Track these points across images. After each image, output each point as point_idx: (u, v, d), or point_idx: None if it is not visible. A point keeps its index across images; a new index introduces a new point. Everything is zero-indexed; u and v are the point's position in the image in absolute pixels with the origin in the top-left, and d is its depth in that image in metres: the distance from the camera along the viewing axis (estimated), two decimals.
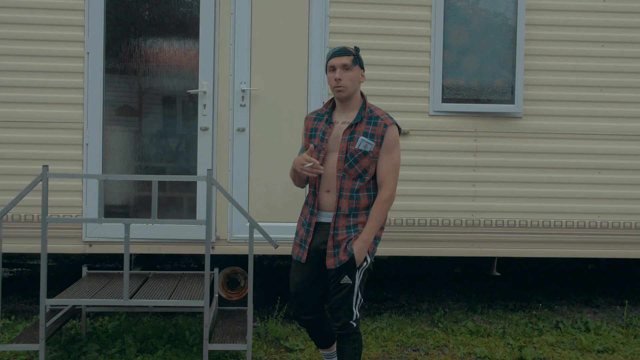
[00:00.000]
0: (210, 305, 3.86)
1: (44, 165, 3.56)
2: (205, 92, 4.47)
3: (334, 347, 3.29)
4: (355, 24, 4.58)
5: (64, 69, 4.43)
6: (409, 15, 4.61)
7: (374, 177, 3.06)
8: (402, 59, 4.59)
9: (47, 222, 3.54)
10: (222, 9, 4.49)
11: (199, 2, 4.45)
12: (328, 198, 3.05)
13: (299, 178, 3.12)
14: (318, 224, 3.10)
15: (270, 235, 4.57)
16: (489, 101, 4.69)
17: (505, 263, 5.39)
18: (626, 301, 4.97)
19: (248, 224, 4.54)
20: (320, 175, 3.05)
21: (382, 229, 3.13)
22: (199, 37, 4.46)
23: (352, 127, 3.02)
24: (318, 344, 3.37)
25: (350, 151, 2.99)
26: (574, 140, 4.71)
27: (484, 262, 4.97)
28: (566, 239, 4.72)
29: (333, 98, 3.15)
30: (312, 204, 3.10)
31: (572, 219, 4.73)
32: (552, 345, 4.33)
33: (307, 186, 3.19)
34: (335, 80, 3.00)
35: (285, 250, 4.57)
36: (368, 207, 3.05)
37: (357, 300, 3.06)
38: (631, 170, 4.73)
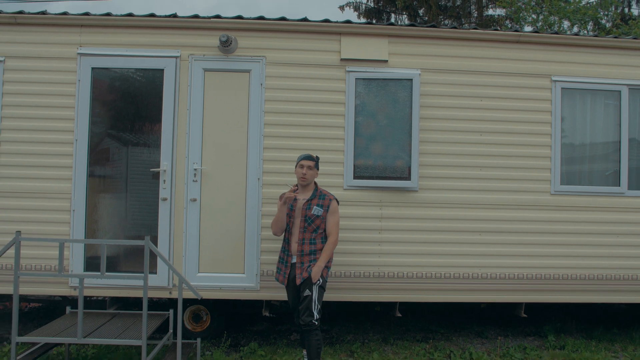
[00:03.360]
0: (169, 339, 5.10)
1: (17, 231, 4.61)
2: (165, 171, 5.71)
3: None
4: (286, 117, 5.81)
5: (58, 152, 5.68)
6: (327, 110, 5.83)
7: (324, 230, 4.93)
8: (323, 145, 5.80)
9: (18, 275, 4.58)
10: (181, 106, 5.74)
11: (161, 101, 5.71)
12: (294, 246, 4.92)
13: (281, 223, 5.01)
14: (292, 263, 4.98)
15: (216, 283, 5.79)
16: (391, 178, 5.87)
17: (417, 303, 6.51)
18: (499, 338, 6.08)
19: (199, 274, 5.83)
20: (289, 231, 4.99)
21: (330, 260, 4.99)
22: (161, 127, 5.72)
23: (309, 201, 4.93)
24: (304, 346, 4.95)
25: (308, 215, 4.88)
26: (459, 208, 5.90)
27: (391, 305, 6.14)
28: (455, 287, 5.89)
29: (297, 183, 5.07)
30: (288, 250, 4.99)
31: (460, 271, 5.90)
32: None
33: (283, 235, 5.08)
34: (303, 174, 4.93)
35: (229, 295, 5.79)
36: (321, 250, 4.89)
37: (315, 306, 4.77)
38: (505, 232, 5.92)
